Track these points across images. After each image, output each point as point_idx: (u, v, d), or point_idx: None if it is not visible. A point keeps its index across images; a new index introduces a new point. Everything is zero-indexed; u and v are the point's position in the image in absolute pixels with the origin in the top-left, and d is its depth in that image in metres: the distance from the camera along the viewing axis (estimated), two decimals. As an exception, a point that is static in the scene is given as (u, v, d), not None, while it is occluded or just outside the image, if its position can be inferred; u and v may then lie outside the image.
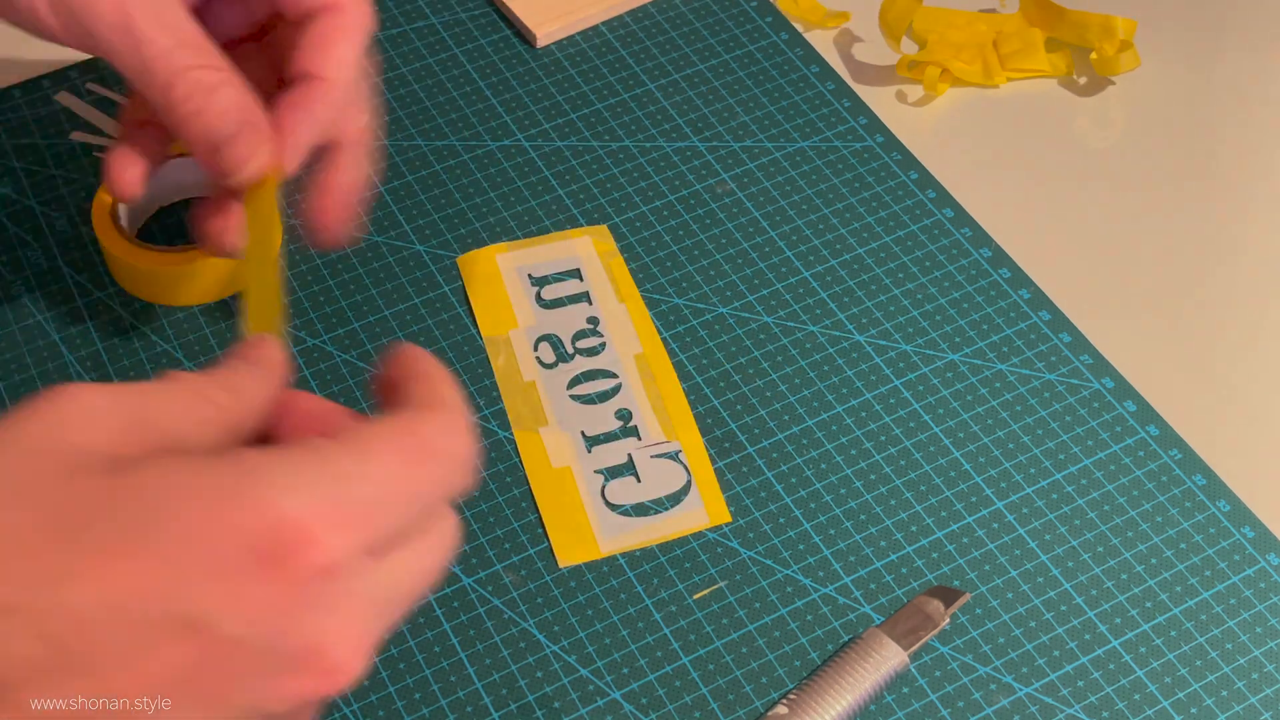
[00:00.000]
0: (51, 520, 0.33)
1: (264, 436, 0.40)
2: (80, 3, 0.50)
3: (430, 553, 0.39)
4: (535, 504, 0.56)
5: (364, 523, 0.36)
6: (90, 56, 0.70)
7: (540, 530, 0.55)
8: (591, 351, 0.60)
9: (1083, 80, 0.71)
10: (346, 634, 0.35)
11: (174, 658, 0.33)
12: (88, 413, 0.35)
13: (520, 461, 0.57)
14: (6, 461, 0.34)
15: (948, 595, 0.53)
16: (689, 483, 0.56)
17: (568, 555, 0.54)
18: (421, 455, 0.38)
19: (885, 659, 0.50)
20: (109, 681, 0.33)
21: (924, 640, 0.51)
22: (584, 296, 0.61)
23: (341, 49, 0.53)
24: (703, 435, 0.58)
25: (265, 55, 0.56)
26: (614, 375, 0.59)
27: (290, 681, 0.35)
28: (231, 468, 0.35)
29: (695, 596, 0.53)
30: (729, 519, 0.55)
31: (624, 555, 0.54)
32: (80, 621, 0.33)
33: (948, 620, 0.52)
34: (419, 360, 0.41)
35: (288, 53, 0.53)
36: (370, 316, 0.61)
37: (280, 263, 0.51)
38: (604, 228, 0.64)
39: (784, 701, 0.50)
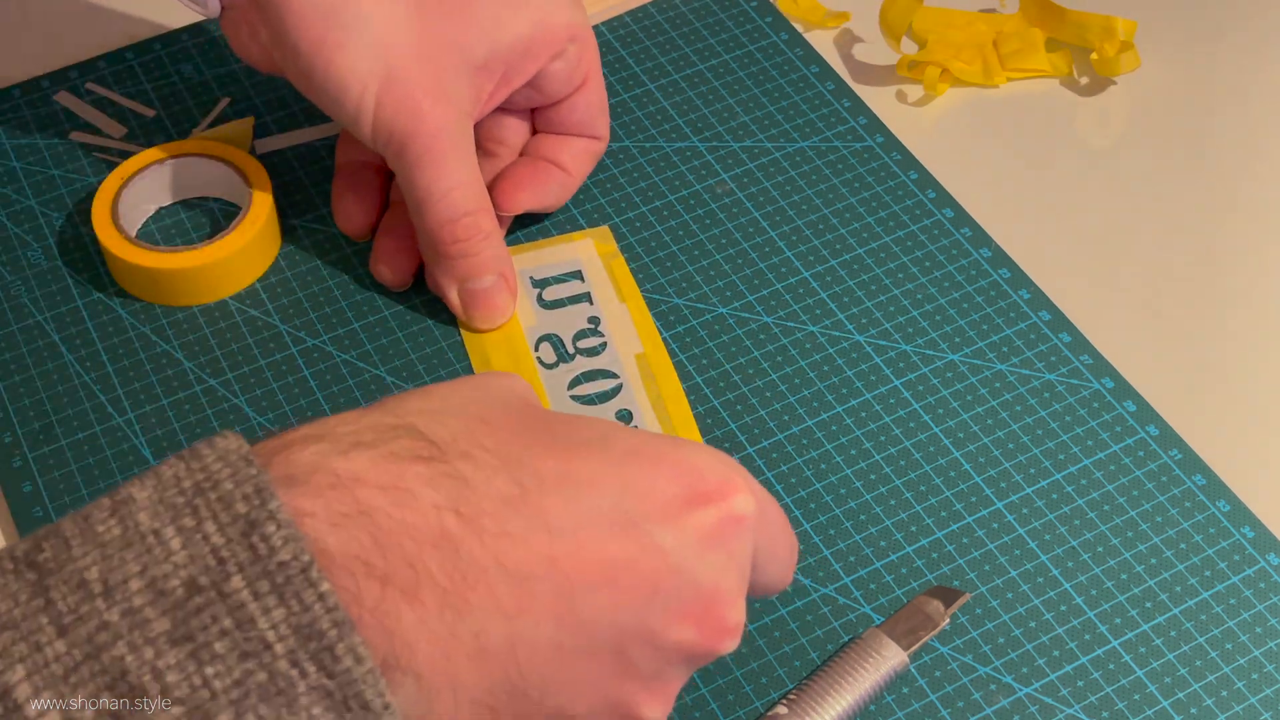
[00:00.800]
0: (529, 425, 0.39)
1: None
2: (398, 121, 0.56)
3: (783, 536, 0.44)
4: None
5: (758, 495, 0.41)
6: (90, 56, 0.71)
7: (540, 530, 0.55)
8: (592, 352, 0.60)
9: (1083, 80, 0.71)
10: (738, 593, 0.40)
11: (611, 546, 0.38)
12: (524, 383, 0.42)
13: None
14: (491, 390, 0.40)
15: (947, 595, 0.53)
16: None
17: None
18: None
19: (885, 659, 0.50)
20: (556, 529, 0.37)
21: (924, 640, 0.51)
22: (585, 297, 0.61)
23: (588, 166, 0.64)
24: (703, 435, 0.58)
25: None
26: (615, 375, 0.59)
27: (686, 625, 0.39)
28: (660, 439, 0.40)
29: (695, 596, 0.53)
30: None
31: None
32: (542, 480, 0.37)
33: (948, 620, 0.52)
34: None
35: (541, 139, 0.63)
36: (370, 316, 0.61)
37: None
38: (605, 229, 0.64)
39: (784, 702, 0.49)
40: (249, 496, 0.34)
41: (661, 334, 0.60)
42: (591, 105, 0.62)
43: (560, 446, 0.39)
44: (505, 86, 0.59)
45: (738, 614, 0.40)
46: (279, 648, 0.33)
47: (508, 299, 0.60)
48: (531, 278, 0.62)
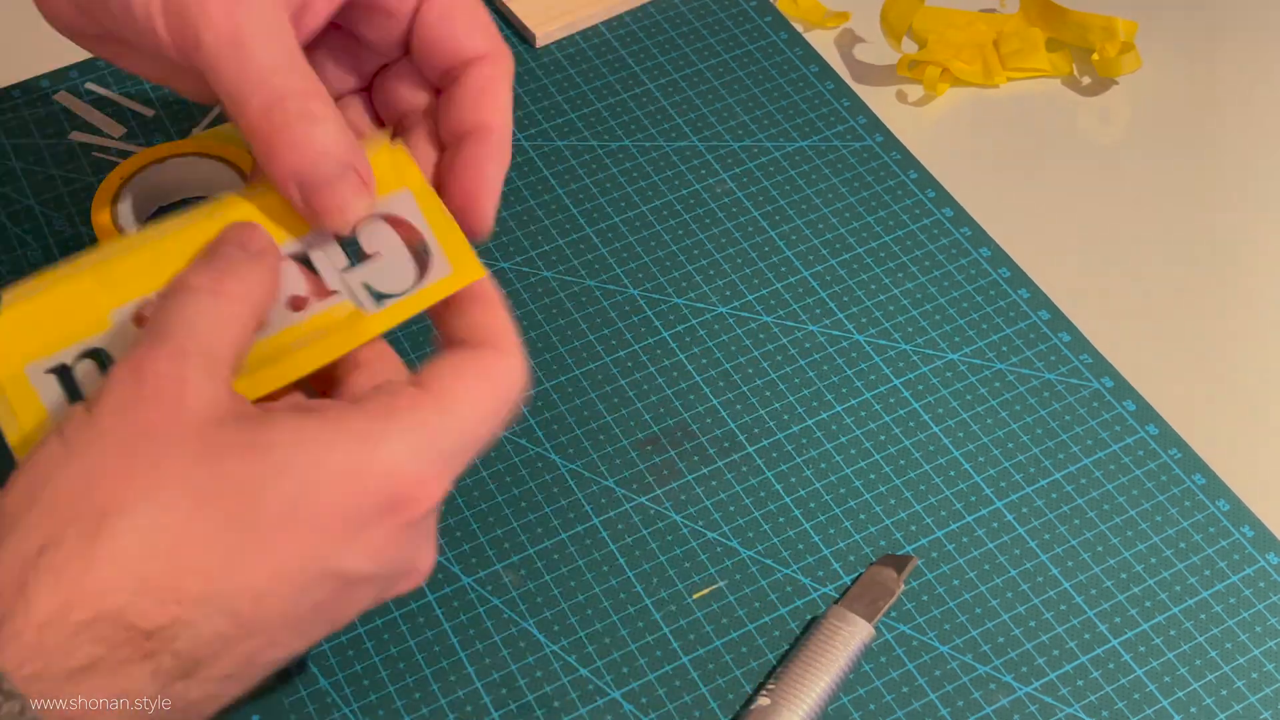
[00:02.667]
0: (215, 507, 0.39)
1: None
2: (193, 8, 0.46)
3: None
4: (535, 503, 0.56)
5: (453, 466, 0.43)
6: (90, 56, 0.70)
7: (540, 530, 0.55)
8: None
9: (1083, 80, 0.71)
10: (433, 545, 0.44)
11: (321, 600, 0.41)
12: (181, 383, 0.41)
13: (520, 464, 0.57)
14: (148, 452, 0.40)
15: (898, 562, 0.53)
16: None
17: None
18: (497, 408, 0.44)
19: (853, 635, 0.51)
20: (274, 636, 0.41)
21: (885, 609, 0.52)
22: None
23: (503, 96, 0.51)
24: (702, 435, 0.58)
25: (368, 106, 0.53)
26: None
27: (392, 590, 0.44)
28: (352, 438, 0.41)
29: (695, 596, 0.53)
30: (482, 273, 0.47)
31: (623, 555, 0.54)
32: (256, 595, 0.39)
33: (903, 585, 0.52)
34: (484, 288, 0.47)
35: (450, 105, 0.51)
36: (370, 316, 0.61)
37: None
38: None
39: (764, 692, 0.50)
40: None
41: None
42: (447, 17, 0.50)
43: (260, 528, 0.40)
44: (325, 4, 0.49)
45: (432, 561, 0.44)
46: None
47: (364, 194, 0.47)
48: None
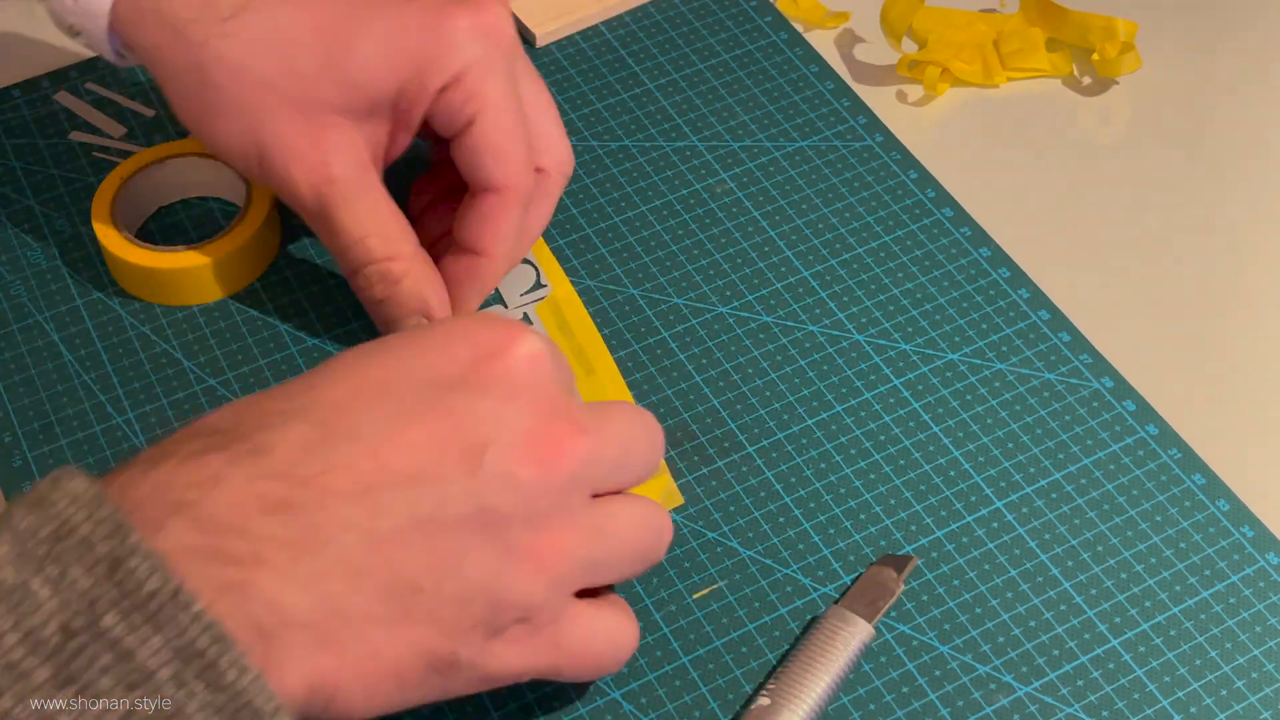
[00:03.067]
0: (333, 373, 0.43)
1: None
2: (285, 187, 0.56)
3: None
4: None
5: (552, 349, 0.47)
6: (90, 56, 0.71)
7: (540, 530, 0.55)
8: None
9: (1083, 81, 0.71)
10: (562, 413, 0.45)
11: (427, 427, 0.41)
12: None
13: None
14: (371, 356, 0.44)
15: (898, 562, 0.53)
16: None
17: None
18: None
19: (853, 635, 0.51)
20: (369, 438, 0.41)
21: (885, 609, 0.52)
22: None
23: (503, 226, 0.57)
24: (702, 435, 0.58)
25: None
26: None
27: (526, 463, 0.43)
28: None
29: (695, 596, 0.53)
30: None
31: (624, 555, 0.54)
32: (340, 408, 0.41)
33: (903, 585, 0.52)
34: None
35: (460, 218, 0.58)
36: (369, 317, 0.61)
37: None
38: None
39: (764, 692, 0.50)
40: (108, 536, 0.35)
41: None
42: (476, 150, 0.56)
43: (349, 372, 0.42)
44: (403, 132, 0.57)
45: (571, 428, 0.43)
46: (163, 673, 0.34)
47: None
48: None
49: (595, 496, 0.45)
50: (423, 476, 0.40)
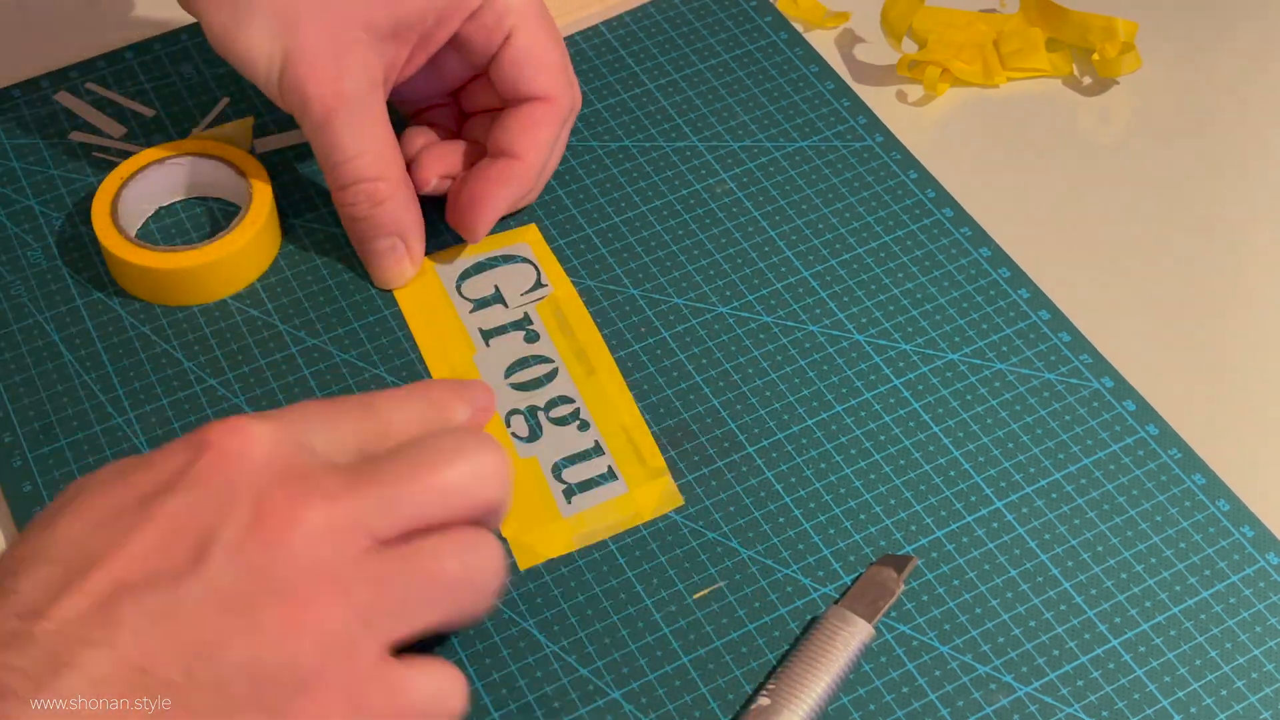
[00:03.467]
0: None
1: None
2: (295, 99, 0.58)
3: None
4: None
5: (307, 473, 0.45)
6: (90, 56, 0.71)
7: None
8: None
9: (1083, 81, 0.71)
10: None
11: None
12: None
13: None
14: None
15: (898, 562, 0.53)
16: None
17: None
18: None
19: (853, 635, 0.51)
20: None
21: (885, 609, 0.52)
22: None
23: (544, 135, 0.61)
24: (702, 435, 0.58)
25: (454, 109, 0.65)
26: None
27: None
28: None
29: (695, 596, 0.53)
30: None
31: (623, 555, 0.54)
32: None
33: (903, 585, 0.52)
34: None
35: (499, 126, 0.61)
36: (370, 316, 0.61)
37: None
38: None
39: (764, 692, 0.50)
40: None
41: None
42: (518, 61, 0.60)
43: (82, 505, 0.44)
44: (421, 52, 0.60)
45: (304, 492, 0.44)
46: None
47: (404, 265, 0.61)
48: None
49: (400, 539, 0.45)
50: (155, 579, 0.41)
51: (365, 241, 0.61)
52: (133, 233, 0.62)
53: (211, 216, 0.64)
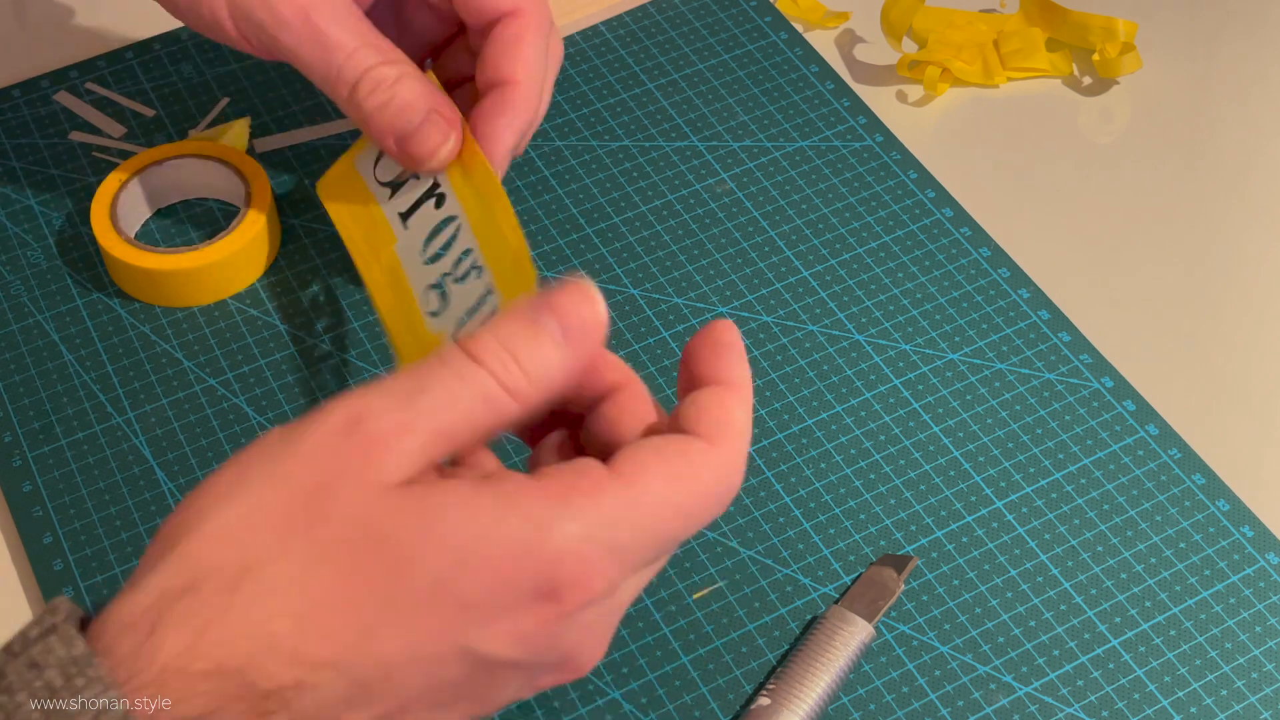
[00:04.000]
0: (362, 574, 0.37)
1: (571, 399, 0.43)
2: (264, 16, 0.54)
3: (661, 562, 0.43)
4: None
5: (629, 560, 0.39)
6: (90, 56, 0.71)
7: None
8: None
9: (1084, 81, 0.71)
10: (597, 644, 0.41)
11: (457, 679, 0.38)
12: (388, 453, 0.38)
13: (521, 465, 0.57)
14: (319, 510, 0.37)
15: (898, 562, 0.53)
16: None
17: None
18: (692, 505, 0.40)
19: (853, 635, 0.51)
20: (404, 703, 0.38)
21: (885, 609, 0.52)
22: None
23: (528, 51, 0.55)
24: (702, 435, 0.57)
25: (446, 66, 0.60)
26: (454, 219, 0.55)
27: (543, 681, 0.41)
28: (522, 517, 0.38)
29: (695, 596, 0.53)
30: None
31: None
32: (386, 667, 0.37)
33: (903, 585, 0.52)
34: (722, 357, 0.43)
35: (476, 59, 0.56)
36: (370, 316, 0.61)
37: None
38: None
39: (764, 692, 0.50)
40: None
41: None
42: None
43: (403, 602, 0.37)
44: None
45: (591, 657, 0.41)
46: None
47: (448, 133, 0.53)
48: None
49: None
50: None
51: (398, 127, 0.53)
52: (132, 234, 0.62)
53: (211, 216, 0.64)
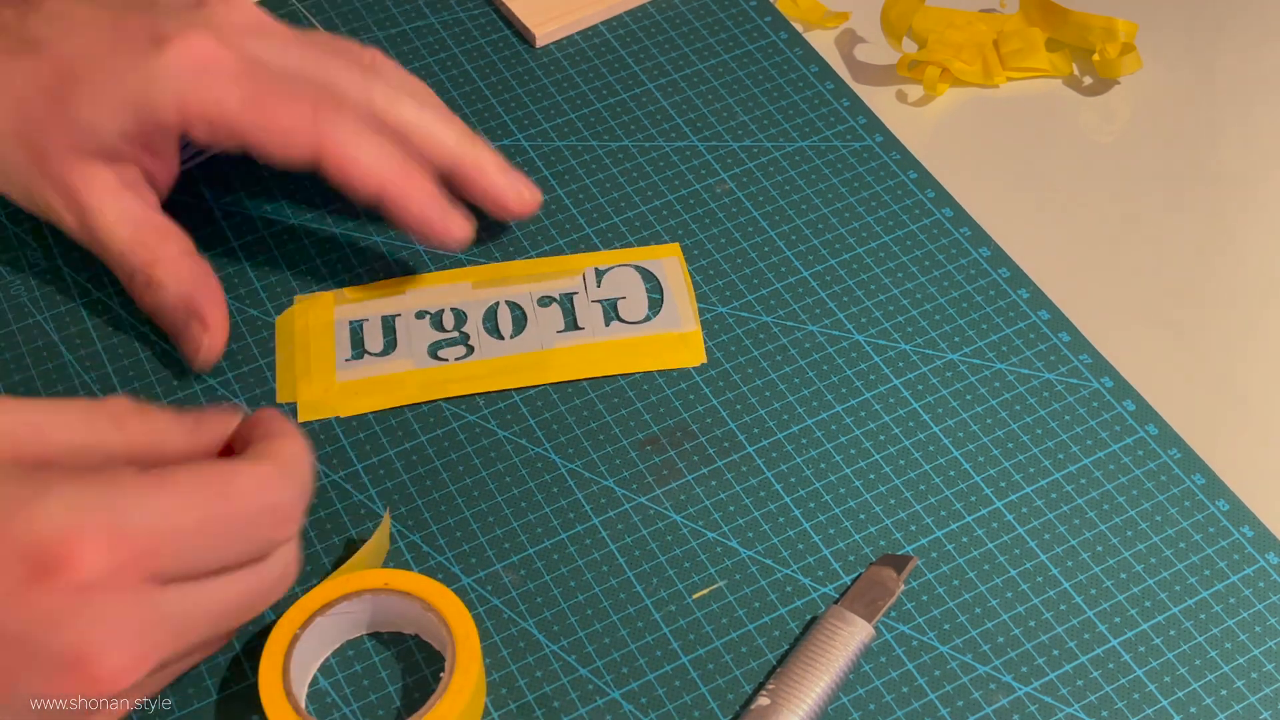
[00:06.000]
0: None
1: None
2: (53, 216, 0.58)
3: (236, 586, 0.44)
4: (535, 504, 0.56)
5: (142, 549, 0.40)
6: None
7: (540, 530, 0.55)
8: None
9: (1084, 81, 0.71)
10: (116, 646, 0.40)
11: None
12: None
13: (520, 464, 0.57)
14: None
15: (898, 562, 0.53)
16: None
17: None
18: (221, 496, 0.42)
19: (853, 635, 0.51)
20: None
21: (885, 609, 0.52)
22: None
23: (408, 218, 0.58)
24: (702, 435, 0.58)
25: None
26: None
27: (60, 682, 0.40)
28: (26, 485, 0.39)
29: (695, 596, 0.53)
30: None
31: (623, 555, 0.54)
32: None
33: (903, 585, 0.52)
34: (270, 420, 0.47)
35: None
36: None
37: None
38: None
39: (764, 692, 0.50)
40: None
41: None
42: (262, 151, 0.56)
43: None
44: (164, 161, 0.58)
45: (113, 662, 0.40)
46: None
47: (201, 335, 0.58)
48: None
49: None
50: None
51: (172, 329, 0.59)
52: (302, 699, 0.50)
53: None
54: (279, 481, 0.44)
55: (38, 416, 0.43)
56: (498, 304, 0.61)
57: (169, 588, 0.41)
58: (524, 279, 0.62)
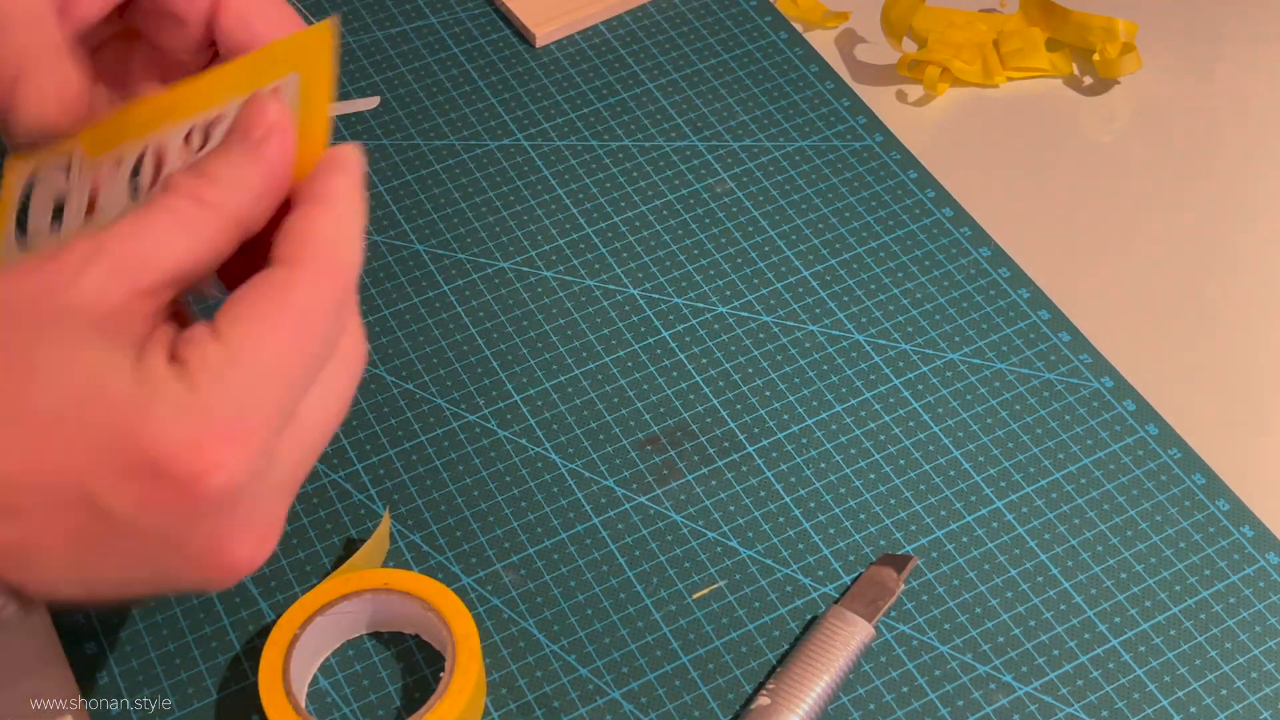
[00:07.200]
0: None
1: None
2: None
3: (337, 383, 0.41)
4: (535, 503, 0.56)
5: (261, 425, 0.38)
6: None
7: (540, 530, 0.55)
8: None
9: (1084, 81, 0.71)
10: (249, 532, 0.39)
11: (81, 524, 0.38)
12: (70, 276, 0.38)
13: (520, 464, 0.57)
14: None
15: (898, 562, 0.53)
16: None
17: None
18: (291, 338, 0.39)
19: (853, 634, 0.51)
20: (37, 537, 0.38)
21: (885, 609, 0.52)
22: None
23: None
24: (702, 435, 0.58)
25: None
26: None
27: (194, 572, 0.39)
28: (135, 383, 0.37)
29: (695, 596, 0.53)
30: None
31: (623, 555, 0.54)
32: (10, 487, 0.37)
33: (903, 585, 0.52)
34: (324, 169, 0.41)
35: None
36: (369, 316, 0.61)
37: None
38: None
39: (764, 692, 0.50)
40: None
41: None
42: (241, 15, 0.47)
43: (23, 426, 0.37)
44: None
45: (246, 550, 0.40)
46: None
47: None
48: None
49: None
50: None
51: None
52: (303, 699, 0.50)
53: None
54: (334, 285, 0.40)
55: (128, 245, 0.39)
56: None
57: (280, 446, 0.40)
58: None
